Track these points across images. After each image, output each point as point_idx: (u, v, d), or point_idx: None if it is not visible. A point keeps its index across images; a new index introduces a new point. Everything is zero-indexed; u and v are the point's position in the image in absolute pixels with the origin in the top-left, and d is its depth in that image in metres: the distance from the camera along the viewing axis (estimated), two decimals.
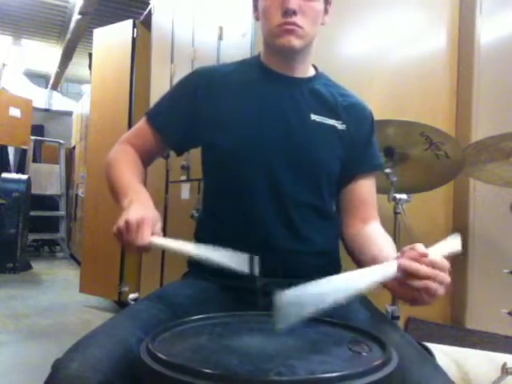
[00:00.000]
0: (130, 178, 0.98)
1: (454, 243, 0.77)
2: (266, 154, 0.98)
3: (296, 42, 0.96)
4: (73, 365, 0.68)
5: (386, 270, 0.73)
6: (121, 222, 0.79)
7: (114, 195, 0.97)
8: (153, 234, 0.79)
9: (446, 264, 0.72)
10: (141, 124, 1.09)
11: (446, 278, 0.71)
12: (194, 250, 0.80)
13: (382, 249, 0.91)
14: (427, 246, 0.76)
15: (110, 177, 1.01)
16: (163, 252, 2.60)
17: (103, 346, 0.72)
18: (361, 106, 1.09)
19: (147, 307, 0.86)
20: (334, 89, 1.08)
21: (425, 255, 0.72)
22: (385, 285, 0.77)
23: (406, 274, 0.72)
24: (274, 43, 0.99)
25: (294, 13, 0.94)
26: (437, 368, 0.74)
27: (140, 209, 0.82)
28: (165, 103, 1.09)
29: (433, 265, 0.71)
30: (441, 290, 0.71)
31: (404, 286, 0.73)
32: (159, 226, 0.82)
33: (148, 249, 0.79)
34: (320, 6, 1.00)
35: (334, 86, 1.09)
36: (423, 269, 0.71)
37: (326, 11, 1.03)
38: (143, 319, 0.81)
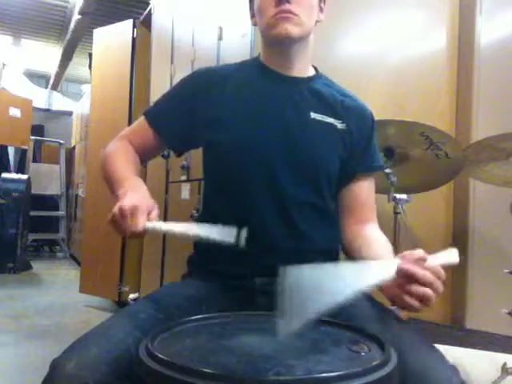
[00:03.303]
0: (127, 169, 0.98)
1: (451, 255, 0.77)
2: (266, 152, 0.98)
3: (293, 30, 0.96)
4: (70, 364, 0.68)
5: (386, 268, 0.73)
6: (115, 209, 0.80)
7: (110, 185, 0.97)
8: (149, 220, 0.80)
9: (443, 273, 0.73)
10: (139, 122, 1.09)
11: (441, 286, 0.72)
12: (183, 228, 0.83)
13: (378, 253, 0.92)
14: (427, 249, 0.76)
15: (106, 168, 1.01)
16: (163, 251, 2.60)
17: (100, 345, 0.72)
18: (361, 107, 1.08)
19: (145, 307, 0.86)
20: (334, 89, 1.08)
21: (424, 259, 0.73)
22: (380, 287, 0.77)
23: (405, 276, 0.72)
24: (271, 34, 0.98)
25: (288, 1, 0.94)
26: (442, 358, 0.74)
27: (135, 196, 0.83)
28: (164, 103, 1.09)
29: (431, 271, 0.72)
30: (433, 299, 0.72)
31: (400, 289, 0.73)
32: (155, 212, 0.82)
33: (143, 234, 0.80)
34: None
35: (334, 87, 1.09)
36: (422, 272, 0.71)
37: (321, 9, 1.03)
38: (140, 319, 0.81)
